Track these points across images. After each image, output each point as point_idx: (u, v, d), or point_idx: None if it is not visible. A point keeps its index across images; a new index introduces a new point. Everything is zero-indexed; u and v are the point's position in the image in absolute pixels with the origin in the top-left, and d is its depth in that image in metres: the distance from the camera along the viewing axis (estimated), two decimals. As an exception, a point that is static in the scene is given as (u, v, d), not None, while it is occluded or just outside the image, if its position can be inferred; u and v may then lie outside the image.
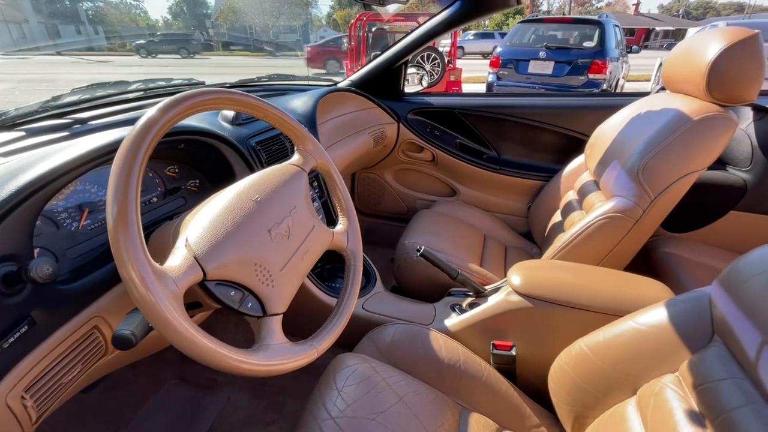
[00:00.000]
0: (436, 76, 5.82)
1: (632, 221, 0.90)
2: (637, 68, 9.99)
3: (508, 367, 0.84)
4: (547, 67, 4.94)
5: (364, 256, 1.17)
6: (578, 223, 0.99)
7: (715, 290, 0.57)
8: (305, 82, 1.54)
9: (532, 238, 1.44)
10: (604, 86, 4.85)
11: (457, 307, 0.97)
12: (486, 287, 0.97)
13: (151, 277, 0.37)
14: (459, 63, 6.32)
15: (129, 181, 0.37)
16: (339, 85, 1.59)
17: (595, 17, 5.16)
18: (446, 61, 5.70)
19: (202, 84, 1.11)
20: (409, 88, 1.83)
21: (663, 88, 1.10)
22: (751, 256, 0.54)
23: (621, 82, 6.33)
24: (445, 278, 1.03)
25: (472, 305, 0.94)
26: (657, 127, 0.91)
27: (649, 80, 8.43)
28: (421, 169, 1.67)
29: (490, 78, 5.55)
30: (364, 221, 1.80)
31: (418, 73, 1.82)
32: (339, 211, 0.74)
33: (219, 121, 0.92)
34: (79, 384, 0.60)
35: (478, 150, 1.60)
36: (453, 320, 0.93)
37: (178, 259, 0.42)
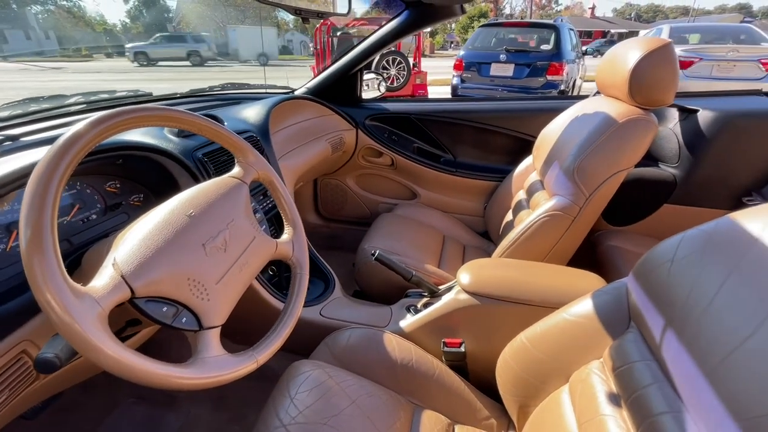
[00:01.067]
0: (402, 80, 5.92)
1: (570, 218, 0.96)
2: (590, 68, 10.50)
3: (459, 363, 0.87)
4: (508, 70, 5.11)
5: (323, 262, 1.18)
6: (524, 221, 1.04)
7: (630, 280, 0.62)
8: (260, 91, 1.54)
9: (489, 237, 1.49)
10: (562, 87, 5.07)
11: (412, 308, 1.00)
12: (440, 287, 1.00)
13: (70, 300, 0.37)
14: (425, 65, 6.44)
15: (43, 203, 0.37)
16: (296, 93, 1.60)
17: (551, 21, 5.40)
18: (412, 64, 5.80)
19: (148, 95, 1.09)
20: (367, 94, 1.86)
21: (598, 92, 1.17)
22: (659, 247, 0.60)
23: (579, 82, 6.63)
24: (402, 280, 1.06)
25: (426, 305, 0.97)
26: (588, 130, 0.98)
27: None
28: (382, 173, 1.70)
29: (455, 81, 5.69)
30: (329, 227, 1.81)
31: (376, 79, 1.86)
32: (285, 220, 0.75)
33: (165, 133, 0.91)
34: (12, 410, 0.58)
35: (435, 153, 1.65)
36: (407, 321, 0.95)
37: (103, 278, 0.42)
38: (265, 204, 1.09)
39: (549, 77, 4.94)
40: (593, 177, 0.93)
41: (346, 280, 1.41)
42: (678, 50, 5.47)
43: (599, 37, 32.22)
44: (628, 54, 0.94)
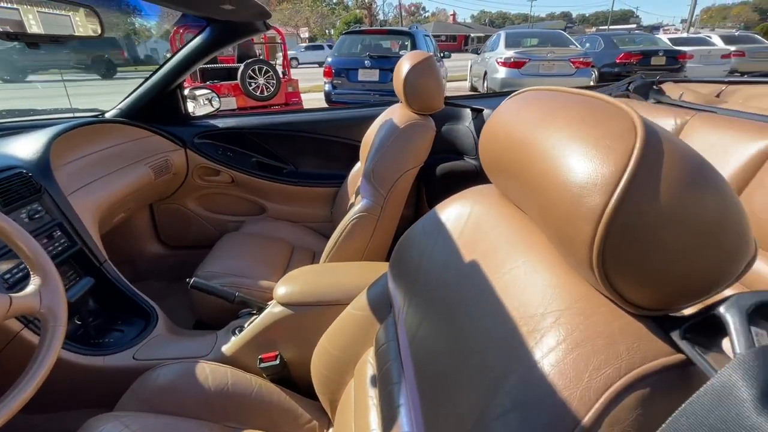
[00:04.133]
0: (272, 89, 5.76)
1: (375, 217, 1.06)
2: (459, 69, 11.69)
3: (280, 375, 0.89)
4: (374, 75, 5.38)
5: (143, 298, 1.09)
6: (341, 224, 1.11)
7: (389, 267, 0.70)
8: (55, 117, 1.34)
9: (337, 241, 1.55)
10: (424, 89, 5.52)
11: (237, 329, 0.99)
12: (269, 302, 1.01)
13: None
14: (296, 73, 6.39)
15: None
16: (106, 116, 1.44)
17: (406, 29, 5.84)
18: (281, 72, 5.70)
19: None
20: (202, 110, 1.77)
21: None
22: (406, 233, 0.69)
23: (443, 82, 7.32)
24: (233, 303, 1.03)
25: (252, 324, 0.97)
26: (380, 136, 1.09)
27: (466, 79, 9.95)
28: (225, 191, 1.64)
29: (327, 87, 5.77)
30: (175, 255, 1.67)
31: (207, 95, 1.78)
32: (30, 268, 0.67)
33: None
34: None
35: (277, 166, 1.65)
36: (229, 344, 0.94)
37: None
38: (54, 247, 0.95)
39: (411, 80, 5.34)
40: (386, 178, 1.04)
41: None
42: (512, 52, 6.46)
43: (463, 41, 36.07)
44: (401, 67, 1.06)
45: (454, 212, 0.57)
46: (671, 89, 1.38)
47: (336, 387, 0.76)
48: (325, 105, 5.87)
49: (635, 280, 0.28)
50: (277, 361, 0.87)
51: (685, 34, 12.67)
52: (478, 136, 1.46)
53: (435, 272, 0.55)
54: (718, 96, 1.35)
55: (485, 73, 7.14)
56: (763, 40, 10.87)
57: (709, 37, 10.25)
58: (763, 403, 0.21)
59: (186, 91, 1.60)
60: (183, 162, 1.51)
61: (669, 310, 0.30)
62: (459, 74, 11.29)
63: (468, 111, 1.49)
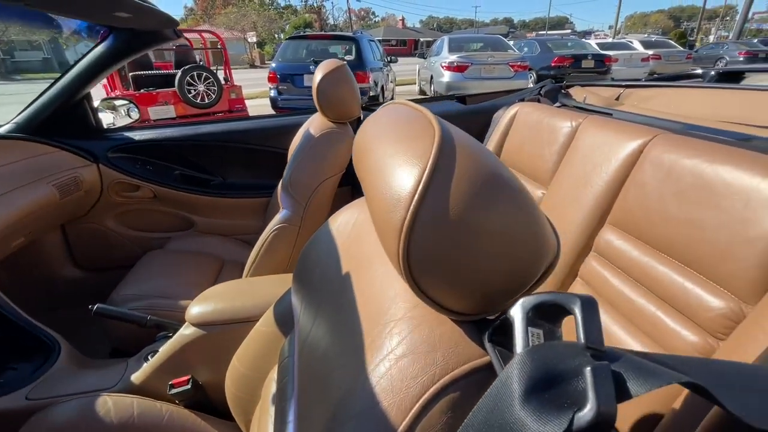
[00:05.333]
0: (214, 96, 5.54)
1: (296, 227, 1.04)
2: (410, 73, 11.89)
3: (194, 400, 0.85)
4: (320, 80, 5.33)
5: (43, 330, 0.99)
6: (261, 237, 1.08)
7: (293, 280, 0.69)
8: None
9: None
10: (371, 93, 5.57)
11: (150, 354, 0.93)
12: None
13: None
14: (243, 78, 6.19)
15: None
16: None
17: (350, 34, 5.86)
18: (223, 79, 5.50)
19: None
20: (121, 121, 1.66)
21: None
22: (305, 247, 0.68)
23: (390, 86, 7.42)
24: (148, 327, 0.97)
25: None
26: (298, 145, 1.08)
27: (415, 83, 10.15)
28: (147, 207, 1.54)
29: (273, 93, 5.65)
30: (93, 278, 1.55)
31: (125, 105, 1.67)
32: None
33: None
34: None
35: (203, 178, 1.58)
36: (139, 372, 0.88)
37: None
38: None
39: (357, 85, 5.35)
40: (304, 188, 1.03)
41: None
42: (455, 57, 6.69)
43: (413, 45, 36.81)
44: (315, 76, 1.06)
45: (343, 220, 0.58)
46: (578, 93, 1.49)
47: (248, 406, 0.74)
48: (272, 111, 5.75)
49: (444, 289, 0.29)
50: (189, 386, 0.82)
51: (610, 39, 13.80)
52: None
53: (324, 282, 0.55)
54: (617, 98, 1.48)
55: (431, 77, 7.34)
56: (676, 44, 12.12)
57: (630, 42, 11.26)
58: (527, 399, 0.23)
59: (97, 102, 1.49)
60: (96, 178, 1.41)
61: (486, 314, 0.32)
62: (409, 78, 11.51)
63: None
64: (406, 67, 12.81)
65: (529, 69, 7.42)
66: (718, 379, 0.25)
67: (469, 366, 0.29)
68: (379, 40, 7.38)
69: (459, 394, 0.28)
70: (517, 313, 0.27)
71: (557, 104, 1.33)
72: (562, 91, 1.46)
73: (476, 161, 0.29)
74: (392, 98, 7.69)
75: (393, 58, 7.57)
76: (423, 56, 9.08)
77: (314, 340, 0.51)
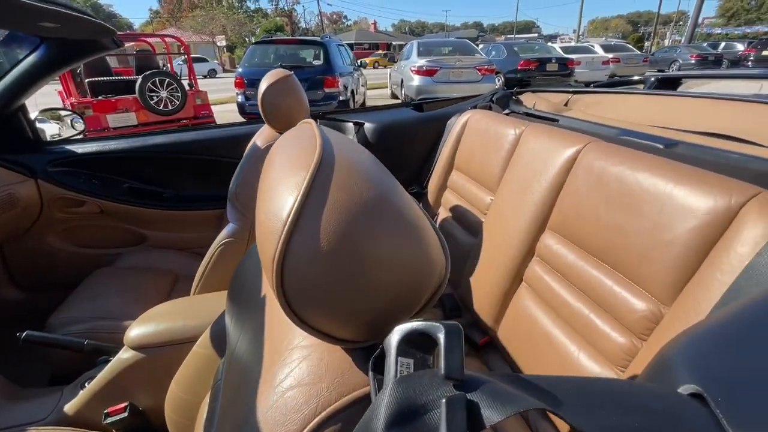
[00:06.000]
0: (178, 102, 5.38)
1: (244, 241, 1.02)
2: (382, 76, 11.96)
3: (132, 427, 0.81)
4: (288, 85, 5.27)
5: None
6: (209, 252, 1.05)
7: (227, 298, 0.67)
8: None
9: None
10: (341, 98, 5.55)
11: (88, 381, 0.88)
12: None
13: None
14: (223, 81, 6.03)
15: None
16: None
17: (318, 39, 5.83)
18: (188, 84, 5.35)
19: None
20: (67, 132, 1.58)
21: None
22: (239, 264, 0.66)
23: (362, 90, 7.42)
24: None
25: None
26: (244, 156, 1.06)
27: (387, 87, 10.19)
28: (95, 223, 1.47)
29: (240, 99, 5.54)
30: (34, 299, 1.46)
31: (69, 116, 1.59)
32: None
33: None
34: None
35: (154, 191, 1.53)
36: (74, 401, 0.83)
37: None
38: None
39: (326, 90, 5.33)
40: (250, 201, 1.01)
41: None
42: (424, 61, 6.77)
43: (385, 48, 37.04)
44: (261, 86, 1.04)
45: None
46: (529, 99, 1.53)
47: (187, 431, 0.71)
48: (240, 117, 5.63)
49: (325, 319, 0.29)
50: (126, 413, 0.79)
51: (573, 43, 14.36)
52: (362, 149, 1.49)
53: (249, 302, 0.53)
54: (566, 104, 1.53)
55: (402, 81, 7.39)
56: (634, 48, 12.74)
57: (592, 46, 11.74)
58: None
59: (34, 114, 1.41)
60: (34, 194, 1.33)
61: (375, 340, 0.31)
62: (382, 81, 11.57)
63: (350, 125, 1.52)
64: (378, 70, 12.88)
65: (497, 72, 7.60)
66: (578, 399, 0.25)
67: (352, 397, 0.29)
68: (351, 44, 7.38)
69: (340, 426, 0.28)
70: (390, 341, 0.27)
71: (506, 111, 1.36)
72: (514, 97, 1.50)
73: (354, 187, 0.29)
74: (364, 102, 7.68)
75: (363, 62, 7.58)
76: (393, 60, 9.14)
77: (235, 363, 0.50)
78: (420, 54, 7.10)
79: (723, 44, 15.74)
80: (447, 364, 0.24)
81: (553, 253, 0.85)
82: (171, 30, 32.22)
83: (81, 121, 1.56)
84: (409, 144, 1.49)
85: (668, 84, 1.52)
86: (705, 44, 16.54)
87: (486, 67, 6.76)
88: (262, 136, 1.07)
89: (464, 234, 1.19)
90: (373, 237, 0.28)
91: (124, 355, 0.82)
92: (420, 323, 0.26)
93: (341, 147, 0.34)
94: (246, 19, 39.06)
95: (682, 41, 17.68)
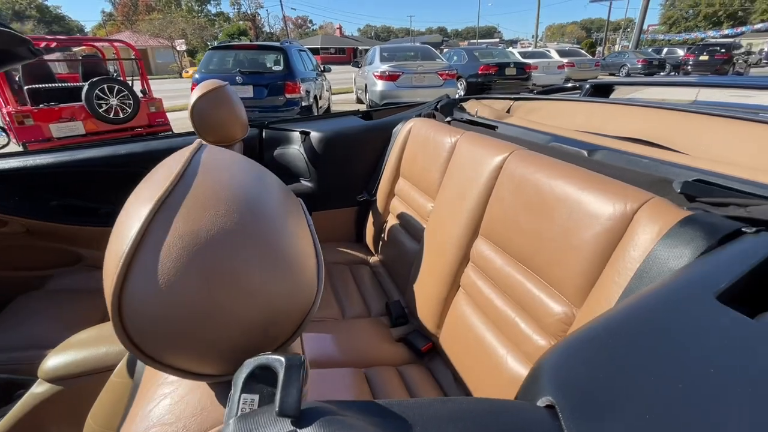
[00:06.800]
0: (129, 110, 5.14)
1: None
2: (347, 81, 11.92)
3: (48, 467, 0.76)
4: (248, 91, 5.17)
5: None
6: None
7: None
8: None
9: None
10: (304, 104, 5.49)
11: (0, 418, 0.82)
12: None
13: None
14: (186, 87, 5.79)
15: None
16: None
17: (278, 44, 5.74)
18: (140, 91, 5.12)
19: None
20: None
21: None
22: None
23: (326, 95, 7.38)
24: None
25: None
26: None
27: (352, 92, 10.19)
28: (20, 243, 1.37)
29: (197, 105, 5.36)
30: None
31: (-10, 129, 1.48)
32: None
33: None
34: None
35: (88, 207, 1.44)
36: (-22, 445, 0.77)
37: None
38: None
39: (288, 95, 5.26)
40: None
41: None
42: (386, 66, 6.83)
43: (352, 53, 37.07)
44: (191, 97, 1.01)
45: None
46: (473, 105, 1.58)
47: None
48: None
49: (173, 354, 0.28)
50: (39, 453, 0.73)
51: (531, 48, 14.98)
52: (309, 159, 1.48)
53: None
54: (508, 111, 1.59)
55: (366, 86, 7.42)
56: (587, 53, 13.44)
57: (548, 51, 12.29)
58: None
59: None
60: None
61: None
62: (348, 86, 11.55)
63: (297, 134, 1.50)
64: (344, 75, 12.85)
65: (458, 77, 7.77)
66: (433, 422, 0.25)
67: None
68: (317, 49, 7.32)
69: None
70: (237, 377, 0.26)
71: (448, 119, 1.39)
72: (457, 105, 1.53)
73: (204, 217, 0.28)
74: (328, 107, 7.64)
75: (327, 67, 7.54)
76: (357, 65, 9.16)
77: (134, 395, 0.47)
78: (383, 59, 7.15)
79: (666, 50, 16.95)
80: (281, 400, 0.23)
81: (485, 259, 0.87)
82: (126, 34, 30.81)
83: (4, 134, 1.45)
84: (356, 152, 1.49)
85: (601, 91, 1.60)
86: (650, 49, 17.73)
87: (447, 72, 6.91)
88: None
89: (410, 240, 1.20)
90: (222, 269, 0.27)
91: (38, 389, 0.76)
92: (264, 357, 0.26)
93: (210, 171, 0.32)
94: (207, 23, 37.97)
95: (630, 46, 18.84)
